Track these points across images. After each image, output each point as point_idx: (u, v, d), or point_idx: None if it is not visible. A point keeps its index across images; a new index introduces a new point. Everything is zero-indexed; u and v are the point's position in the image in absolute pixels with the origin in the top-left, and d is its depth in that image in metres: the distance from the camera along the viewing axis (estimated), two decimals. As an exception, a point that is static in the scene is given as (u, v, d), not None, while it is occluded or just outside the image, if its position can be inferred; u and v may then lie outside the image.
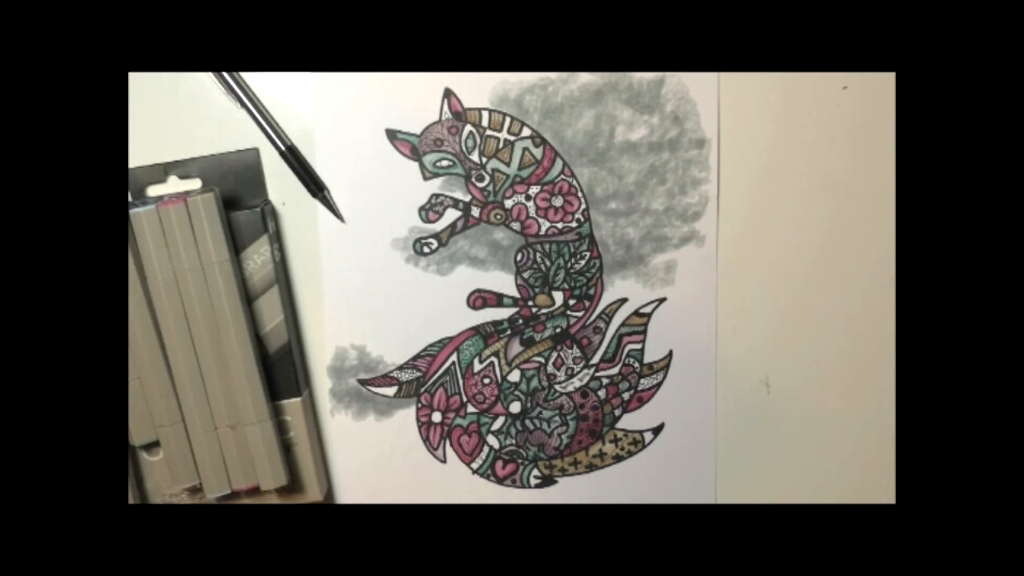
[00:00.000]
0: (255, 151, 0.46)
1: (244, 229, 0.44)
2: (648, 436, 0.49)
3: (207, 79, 0.45)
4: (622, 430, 0.49)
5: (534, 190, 0.47)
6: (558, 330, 0.48)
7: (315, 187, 0.46)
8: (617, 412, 0.49)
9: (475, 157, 0.46)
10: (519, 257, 0.47)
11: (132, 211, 0.42)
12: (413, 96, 0.46)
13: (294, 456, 0.46)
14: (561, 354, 0.48)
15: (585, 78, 0.46)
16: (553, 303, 0.48)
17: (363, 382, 0.48)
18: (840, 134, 0.47)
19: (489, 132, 0.46)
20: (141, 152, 0.45)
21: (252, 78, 0.45)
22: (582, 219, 0.47)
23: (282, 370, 0.45)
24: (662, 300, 0.48)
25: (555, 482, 0.49)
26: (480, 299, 0.47)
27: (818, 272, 0.48)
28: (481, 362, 0.48)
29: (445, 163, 0.46)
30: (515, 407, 0.48)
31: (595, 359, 0.48)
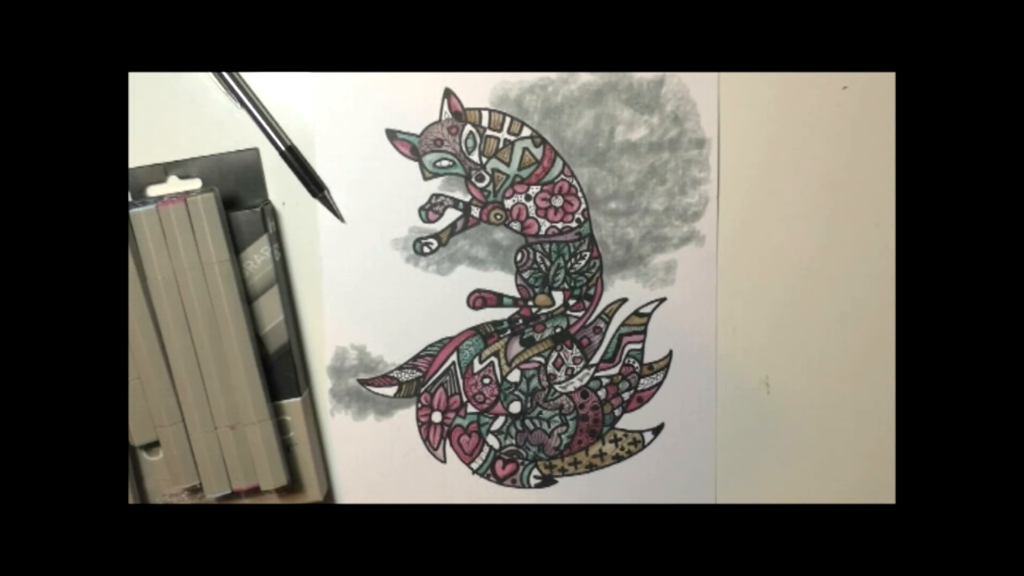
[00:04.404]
0: (255, 151, 0.46)
1: (244, 229, 0.44)
2: (648, 436, 0.49)
3: (207, 79, 0.45)
4: (622, 430, 0.49)
5: (534, 190, 0.47)
6: (558, 330, 0.48)
7: (315, 187, 0.46)
8: (617, 412, 0.49)
9: (475, 157, 0.46)
10: (519, 257, 0.47)
11: (132, 211, 0.42)
12: (413, 96, 0.46)
13: (294, 456, 0.46)
14: (561, 354, 0.48)
15: (585, 78, 0.46)
16: (553, 303, 0.48)
17: (363, 382, 0.48)
18: (840, 134, 0.47)
19: (489, 132, 0.46)
20: (141, 152, 0.45)
21: (252, 78, 0.45)
22: (582, 219, 0.47)
23: (282, 370, 0.45)
24: (662, 300, 0.48)
25: (555, 482, 0.49)
26: (480, 299, 0.47)
27: (818, 272, 0.48)
28: (481, 362, 0.48)
29: (445, 163, 0.46)
30: (515, 407, 0.48)
31: (595, 359, 0.48)
